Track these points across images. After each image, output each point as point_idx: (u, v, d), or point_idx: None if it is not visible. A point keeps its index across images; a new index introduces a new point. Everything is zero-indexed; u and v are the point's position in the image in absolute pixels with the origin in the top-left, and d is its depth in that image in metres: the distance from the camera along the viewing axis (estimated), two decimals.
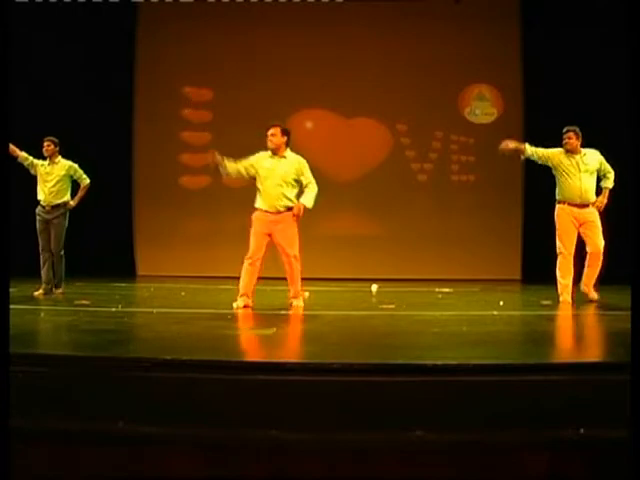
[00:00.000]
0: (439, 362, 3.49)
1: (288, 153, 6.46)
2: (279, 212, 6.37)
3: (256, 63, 11.06)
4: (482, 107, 11.26)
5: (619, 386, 3.11)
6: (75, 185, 7.92)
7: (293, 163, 6.43)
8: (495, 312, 6.02)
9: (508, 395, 3.26)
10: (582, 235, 7.01)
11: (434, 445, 3.06)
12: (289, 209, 6.37)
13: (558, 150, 7.06)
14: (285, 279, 6.68)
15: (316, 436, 3.09)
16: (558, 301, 6.86)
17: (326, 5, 10.19)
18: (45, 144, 7.71)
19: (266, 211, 6.39)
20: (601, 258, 6.93)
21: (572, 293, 6.90)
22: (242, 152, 10.64)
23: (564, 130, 7.07)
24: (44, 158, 7.76)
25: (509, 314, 6.21)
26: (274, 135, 6.39)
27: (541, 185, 7.65)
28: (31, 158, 7.73)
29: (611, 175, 7.04)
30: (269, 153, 6.44)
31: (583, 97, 9.99)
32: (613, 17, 8.70)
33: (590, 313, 6.48)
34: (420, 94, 11.13)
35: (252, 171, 6.46)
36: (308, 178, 6.45)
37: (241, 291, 6.38)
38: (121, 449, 3.08)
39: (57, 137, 7.86)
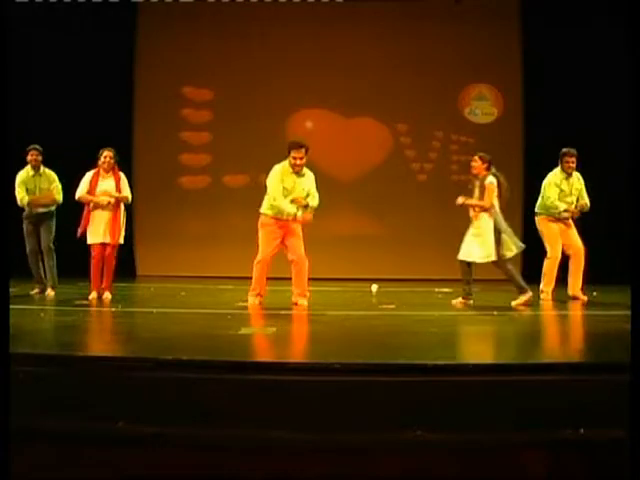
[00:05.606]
0: (439, 362, 3.49)
1: (305, 170, 6.62)
2: (289, 219, 6.55)
3: (256, 63, 11.04)
4: (482, 107, 11.25)
5: (619, 386, 3.11)
6: (65, 186, 7.59)
7: (309, 178, 6.65)
8: (495, 312, 6.02)
9: (508, 395, 3.26)
10: (562, 241, 7.33)
11: (434, 445, 3.06)
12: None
13: (555, 177, 7.38)
14: (285, 279, 6.71)
15: (316, 436, 3.09)
16: (539, 298, 7.07)
17: (326, 5, 10.18)
18: (35, 154, 7.40)
19: (278, 219, 6.53)
20: (583, 257, 7.25)
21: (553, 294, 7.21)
22: (242, 152, 10.77)
23: (567, 151, 7.33)
24: (24, 163, 7.43)
25: (510, 314, 6.21)
26: (302, 159, 6.51)
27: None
28: (23, 192, 7.36)
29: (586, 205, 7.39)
30: (290, 170, 6.53)
31: (583, 97, 9.99)
32: (613, 17, 8.70)
33: (589, 313, 6.48)
34: (420, 94, 11.12)
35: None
36: (314, 192, 6.65)
37: (257, 290, 6.60)
38: (121, 449, 3.08)
39: (56, 137, 7.72)
